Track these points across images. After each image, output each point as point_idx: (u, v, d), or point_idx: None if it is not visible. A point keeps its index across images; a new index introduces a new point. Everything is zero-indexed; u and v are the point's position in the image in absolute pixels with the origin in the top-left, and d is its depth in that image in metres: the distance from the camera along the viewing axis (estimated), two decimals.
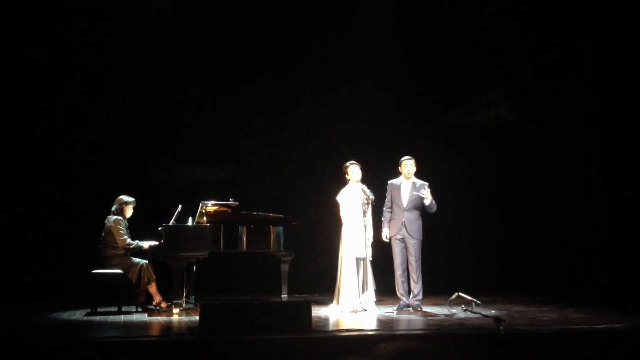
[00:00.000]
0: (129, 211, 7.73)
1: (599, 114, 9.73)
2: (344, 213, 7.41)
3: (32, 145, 9.23)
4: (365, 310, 7.17)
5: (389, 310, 7.30)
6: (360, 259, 7.26)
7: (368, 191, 7.27)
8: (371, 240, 7.33)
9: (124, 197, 7.73)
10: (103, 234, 7.56)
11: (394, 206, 7.48)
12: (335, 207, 7.53)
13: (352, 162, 7.53)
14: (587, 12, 9.67)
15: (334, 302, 7.36)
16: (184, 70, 9.67)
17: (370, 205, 7.30)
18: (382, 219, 7.56)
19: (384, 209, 7.56)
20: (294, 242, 8.00)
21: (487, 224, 10.26)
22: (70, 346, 4.89)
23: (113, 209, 7.67)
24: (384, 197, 7.60)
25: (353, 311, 7.08)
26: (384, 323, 6.32)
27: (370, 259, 7.30)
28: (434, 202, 7.37)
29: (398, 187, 7.48)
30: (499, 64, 10.31)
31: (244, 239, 7.53)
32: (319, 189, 9.07)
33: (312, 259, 9.24)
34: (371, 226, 7.34)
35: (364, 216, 7.24)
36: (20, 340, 5.27)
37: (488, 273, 9.84)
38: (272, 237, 7.70)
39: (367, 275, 7.25)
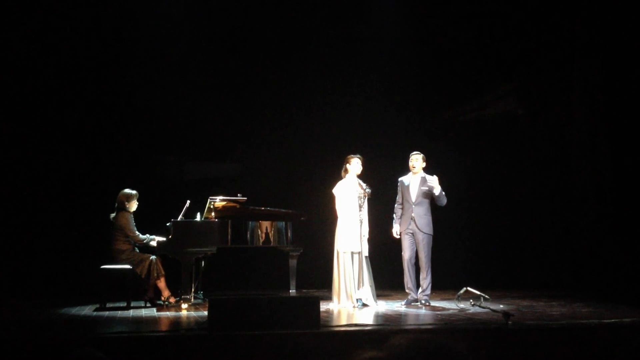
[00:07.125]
0: (133, 205, 7.65)
1: (607, 108, 9.68)
2: (340, 206, 7.35)
3: (41, 141, 9.25)
4: (365, 305, 7.11)
5: (398, 305, 7.28)
6: (355, 253, 7.21)
7: (364, 185, 7.22)
8: (367, 236, 7.28)
9: (126, 191, 7.65)
10: (112, 229, 7.57)
11: (404, 202, 7.43)
12: (331, 199, 7.51)
13: (356, 155, 7.47)
14: (596, 5, 9.62)
15: (335, 299, 7.29)
16: (192, 67, 9.67)
17: (366, 199, 7.24)
18: (394, 215, 7.53)
19: (395, 205, 7.52)
20: (303, 237, 7.98)
21: (495, 219, 10.22)
22: (78, 341, 4.91)
23: (117, 204, 7.64)
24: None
25: (353, 307, 7.02)
26: (392, 318, 6.31)
27: (366, 254, 7.23)
28: (443, 193, 7.33)
29: (407, 183, 7.45)
30: (506, 59, 10.26)
31: (255, 233, 7.53)
32: (327, 183, 9.04)
33: (320, 254, 9.22)
34: (367, 221, 7.28)
35: (360, 210, 7.20)
36: (30, 335, 5.29)
37: (496, 267, 9.81)
38: (272, 232, 7.68)
39: (362, 270, 7.17)
